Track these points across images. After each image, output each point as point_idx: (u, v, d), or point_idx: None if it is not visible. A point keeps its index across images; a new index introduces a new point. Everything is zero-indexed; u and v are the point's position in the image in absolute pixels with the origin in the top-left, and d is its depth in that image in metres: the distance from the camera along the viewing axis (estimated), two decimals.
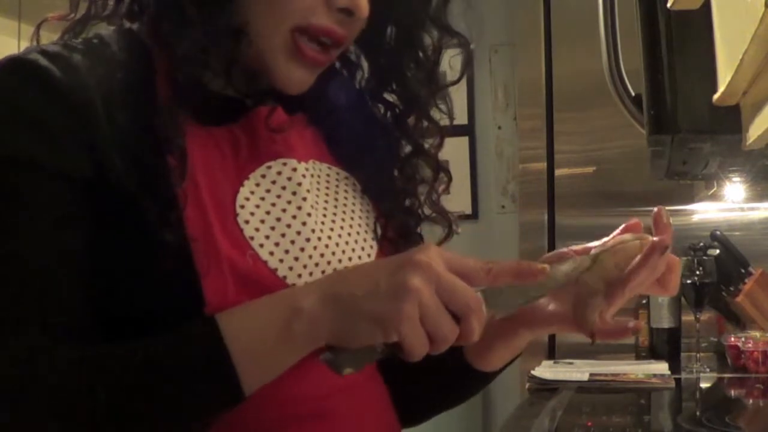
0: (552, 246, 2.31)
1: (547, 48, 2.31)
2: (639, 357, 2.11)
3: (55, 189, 0.70)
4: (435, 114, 0.90)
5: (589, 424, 1.33)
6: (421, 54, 0.88)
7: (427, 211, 0.91)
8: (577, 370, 1.76)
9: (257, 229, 0.76)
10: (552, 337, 2.27)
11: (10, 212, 0.69)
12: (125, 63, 0.76)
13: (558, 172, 2.32)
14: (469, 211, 2.81)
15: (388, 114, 0.91)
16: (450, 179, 0.93)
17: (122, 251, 0.71)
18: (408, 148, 0.91)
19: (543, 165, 2.33)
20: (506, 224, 2.62)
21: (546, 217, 2.32)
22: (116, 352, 0.68)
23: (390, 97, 0.91)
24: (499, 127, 2.59)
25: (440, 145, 0.91)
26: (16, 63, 0.73)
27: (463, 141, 2.79)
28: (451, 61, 0.91)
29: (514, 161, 2.46)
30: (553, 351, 2.21)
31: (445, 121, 0.91)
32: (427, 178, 0.91)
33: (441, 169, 0.91)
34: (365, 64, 0.92)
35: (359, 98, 0.92)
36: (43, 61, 0.72)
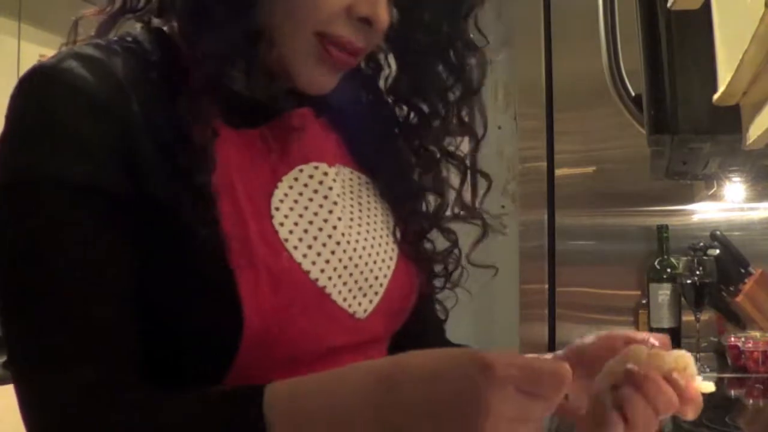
0: (552, 246, 2.31)
1: (547, 48, 2.31)
2: None
3: (101, 211, 0.69)
4: (467, 119, 0.89)
5: None
6: (454, 59, 0.88)
7: (458, 211, 0.91)
8: None
9: (291, 232, 0.76)
10: (552, 336, 2.28)
11: (57, 236, 0.68)
12: (159, 62, 0.75)
13: (558, 172, 2.32)
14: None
15: (412, 116, 0.91)
16: (490, 182, 0.91)
17: (159, 256, 0.70)
18: (432, 152, 0.90)
19: (543, 165, 2.33)
20: (506, 224, 2.62)
21: (546, 217, 2.32)
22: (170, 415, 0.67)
23: (416, 101, 0.90)
24: (499, 127, 2.59)
25: (475, 149, 0.90)
26: (53, 74, 0.71)
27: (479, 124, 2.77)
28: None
29: (514, 161, 2.45)
30: (553, 351, 2.21)
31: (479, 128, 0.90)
32: (454, 180, 0.91)
33: (475, 171, 0.91)
34: (390, 63, 0.91)
35: (380, 100, 0.92)
36: (81, 71, 0.71)
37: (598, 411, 0.69)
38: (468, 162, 0.92)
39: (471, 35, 0.88)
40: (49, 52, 0.76)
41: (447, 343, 0.97)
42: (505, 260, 2.50)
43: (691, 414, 0.71)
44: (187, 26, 0.75)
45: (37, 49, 2.66)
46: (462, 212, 0.91)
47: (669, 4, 0.78)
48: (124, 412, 0.66)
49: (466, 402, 0.58)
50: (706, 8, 0.75)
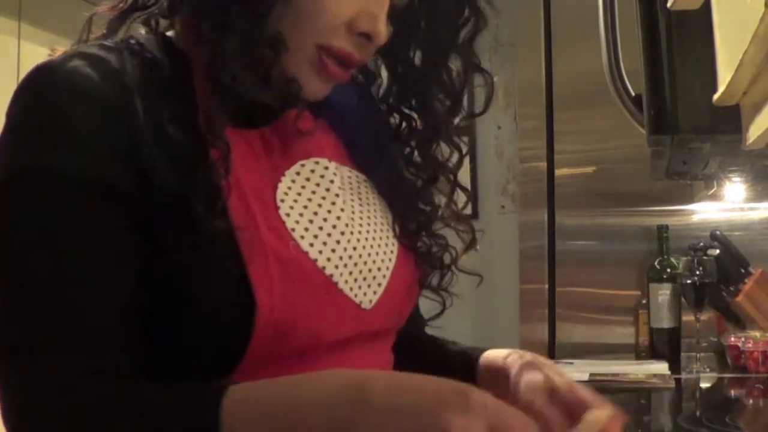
0: (552, 246, 2.31)
1: (547, 48, 2.31)
2: (639, 357, 2.12)
3: (100, 206, 0.70)
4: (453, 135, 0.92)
5: None
6: (446, 78, 0.90)
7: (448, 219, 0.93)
8: (577, 371, 1.76)
9: (297, 222, 0.78)
10: (552, 337, 2.28)
11: (56, 230, 0.69)
12: (163, 64, 0.77)
13: (558, 172, 2.32)
14: (468, 211, 2.81)
15: (403, 125, 0.94)
16: (469, 197, 0.95)
17: (169, 248, 0.71)
18: (420, 160, 0.93)
19: (543, 165, 2.33)
20: (506, 224, 2.62)
21: (546, 217, 2.32)
22: (136, 402, 0.67)
23: (408, 111, 0.93)
24: (499, 127, 2.59)
25: (459, 164, 0.93)
26: (57, 72, 0.72)
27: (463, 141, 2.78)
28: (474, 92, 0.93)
29: (514, 161, 2.46)
30: (553, 351, 2.21)
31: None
32: (444, 190, 0.93)
33: (459, 186, 0.93)
34: (383, 73, 0.94)
35: (373, 108, 0.94)
36: (85, 69, 0.72)
37: None
38: (454, 173, 0.94)
39: (474, 57, 0.90)
40: (49, 52, 0.77)
41: (433, 343, 0.99)
42: (505, 260, 2.51)
43: None
44: (202, 29, 0.76)
45: (37, 49, 2.66)
46: (451, 220, 0.93)
47: (669, 4, 0.78)
48: (79, 403, 0.67)
49: (429, 417, 0.58)
50: (706, 8, 0.75)
